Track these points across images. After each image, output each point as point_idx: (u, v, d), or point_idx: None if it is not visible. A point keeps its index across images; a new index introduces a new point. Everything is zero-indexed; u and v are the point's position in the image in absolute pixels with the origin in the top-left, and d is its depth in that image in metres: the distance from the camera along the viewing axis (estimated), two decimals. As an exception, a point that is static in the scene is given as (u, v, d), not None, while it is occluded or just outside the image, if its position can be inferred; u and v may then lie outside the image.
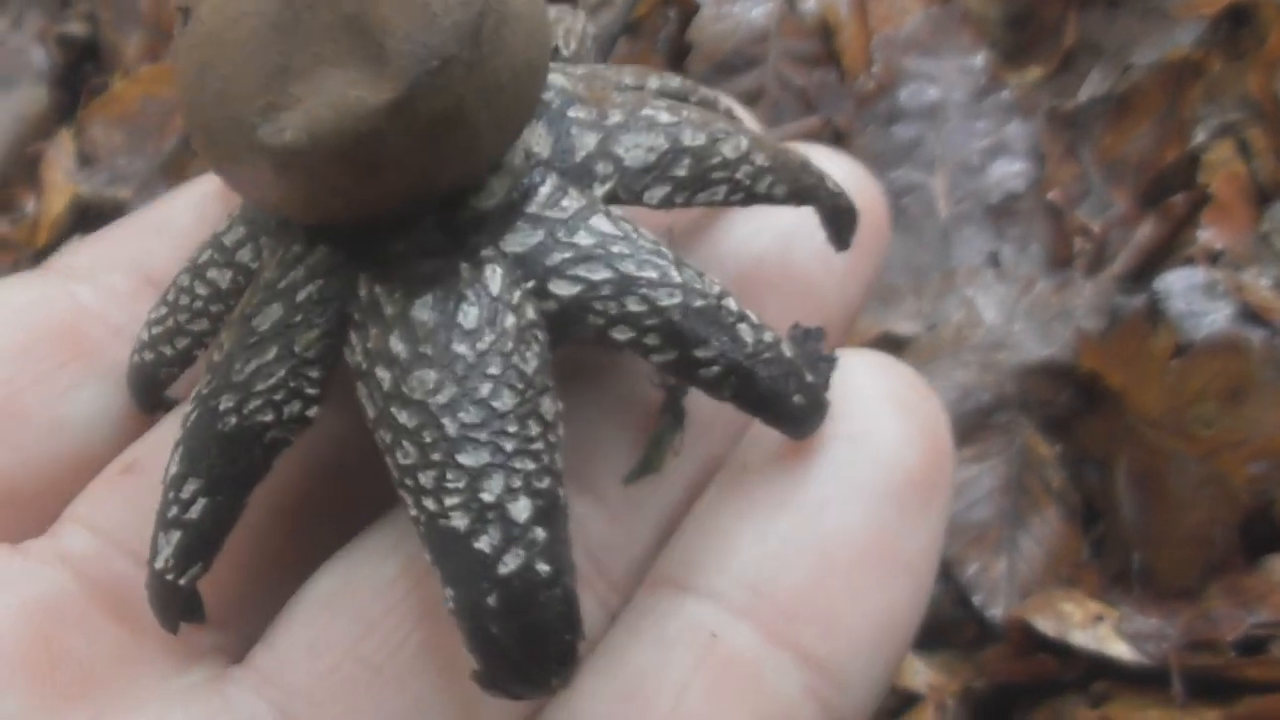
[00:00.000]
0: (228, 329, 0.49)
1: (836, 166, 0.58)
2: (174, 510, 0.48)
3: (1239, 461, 1.09)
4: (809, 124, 1.40)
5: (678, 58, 1.42)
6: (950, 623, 1.12)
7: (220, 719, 0.49)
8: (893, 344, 1.27)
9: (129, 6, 1.39)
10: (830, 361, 0.51)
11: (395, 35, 0.42)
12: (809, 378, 0.50)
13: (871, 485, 0.50)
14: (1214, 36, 1.36)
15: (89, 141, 1.32)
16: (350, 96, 0.42)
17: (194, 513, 0.47)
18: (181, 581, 0.48)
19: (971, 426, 1.22)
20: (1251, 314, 1.16)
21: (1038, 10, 1.47)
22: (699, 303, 0.46)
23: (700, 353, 0.46)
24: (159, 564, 0.48)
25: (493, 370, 0.44)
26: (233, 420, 0.47)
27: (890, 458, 0.51)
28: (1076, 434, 1.22)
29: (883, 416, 0.51)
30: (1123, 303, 1.24)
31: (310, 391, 0.47)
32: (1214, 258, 1.24)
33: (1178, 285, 1.20)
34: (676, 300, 0.46)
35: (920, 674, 1.07)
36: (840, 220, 0.56)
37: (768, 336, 0.48)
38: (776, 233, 0.59)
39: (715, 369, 0.47)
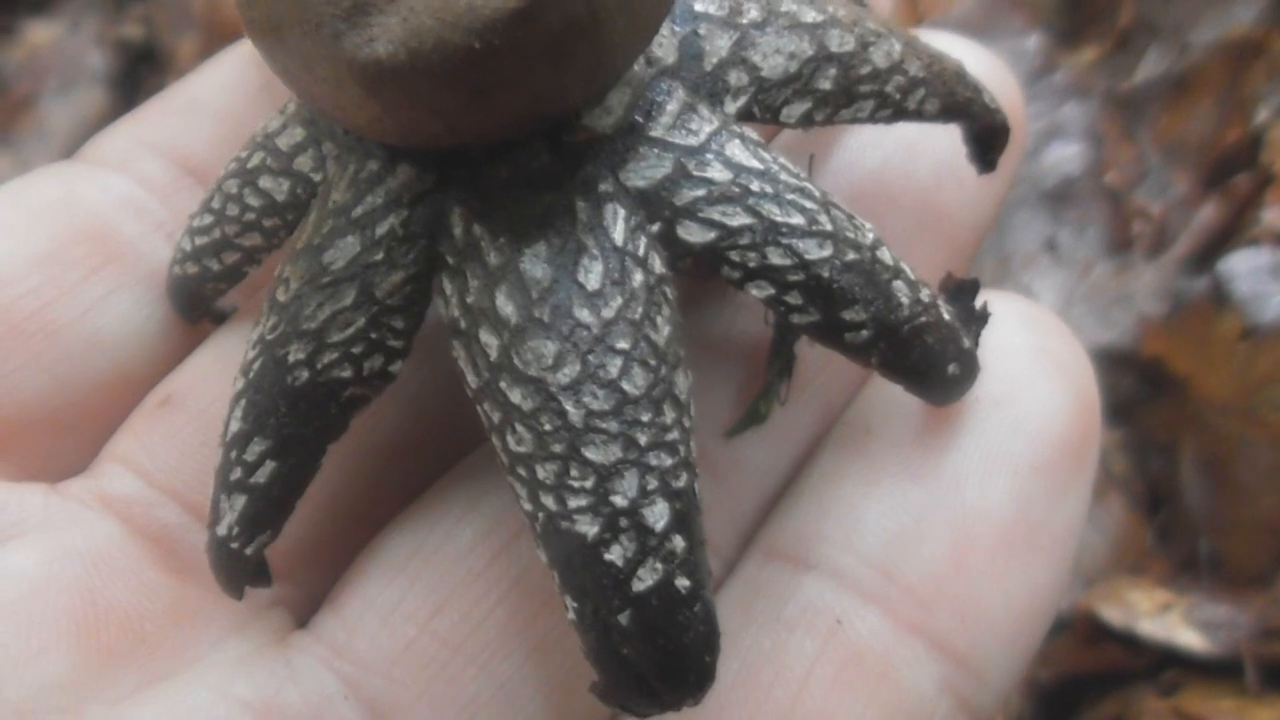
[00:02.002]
0: (292, 259, 0.42)
1: (970, 57, 0.50)
2: (237, 473, 0.43)
3: (1311, 446, 1.06)
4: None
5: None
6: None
7: (286, 692, 0.45)
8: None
9: (182, 9, 1.40)
10: (983, 320, 0.45)
11: None
12: (965, 343, 0.44)
13: (1018, 455, 0.45)
14: (1274, 13, 1.33)
15: (146, 143, 1.35)
16: (459, 2, 0.34)
17: (261, 476, 0.42)
18: (248, 551, 0.43)
19: (1031, 414, 1.20)
20: (1321, 295, 1.13)
21: (1091, -10, 1.45)
22: (851, 255, 0.40)
23: (849, 315, 0.41)
24: (222, 531, 0.43)
25: (622, 344, 0.38)
26: (305, 374, 0.41)
27: (1039, 425, 0.46)
28: (1139, 420, 1.19)
29: (1031, 377, 0.46)
30: (1185, 286, 1.22)
31: (394, 344, 0.41)
32: (1280, 238, 1.21)
33: (1243, 267, 1.17)
34: (826, 253, 0.40)
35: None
36: (991, 139, 0.48)
37: (925, 295, 0.42)
38: (898, 140, 0.52)
39: (864, 334, 0.41)
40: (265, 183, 0.45)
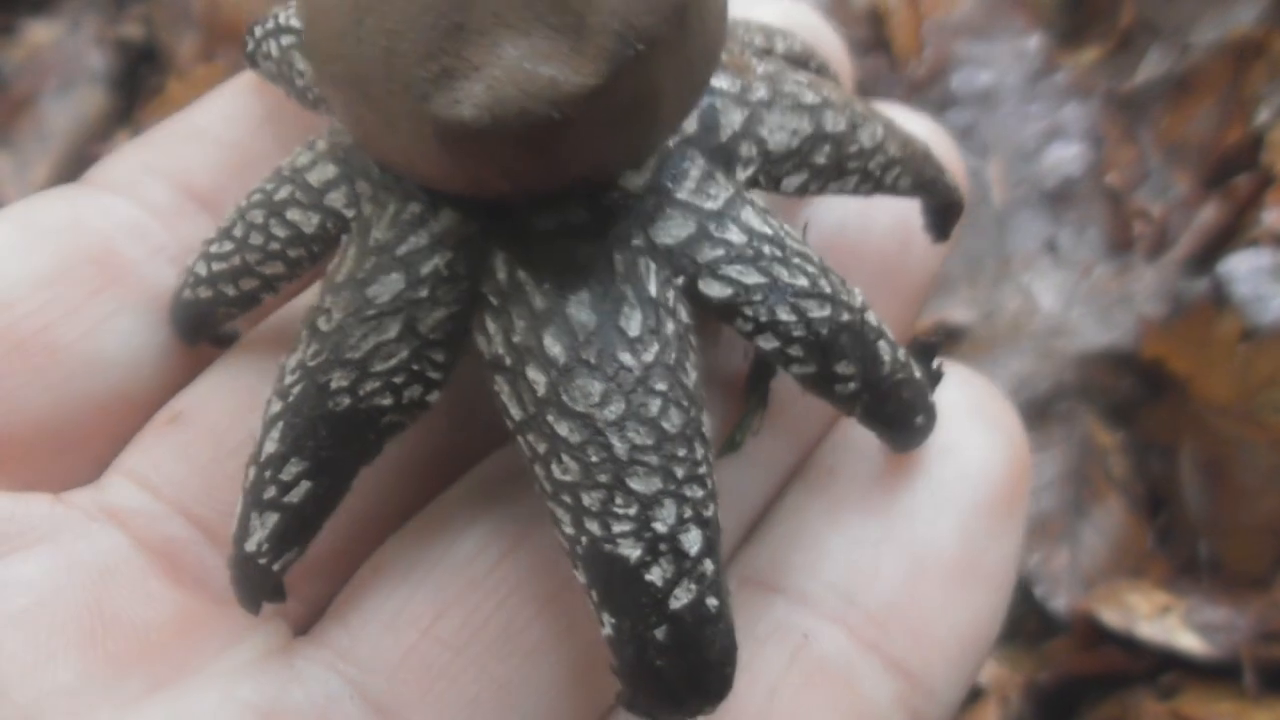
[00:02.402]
0: (333, 291, 0.44)
1: (919, 125, 0.56)
2: (271, 491, 0.44)
3: (1311, 448, 1.06)
4: (860, 111, 1.38)
5: (726, 47, 1.42)
6: (1012, 615, 1.10)
7: (292, 692, 0.47)
8: (948, 333, 1.25)
9: (182, 9, 1.40)
10: (939, 378, 0.50)
11: (599, 9, 0.37)
12: (930, 398, 0.49)
13: (961, 497, 0.51)
14: (1275, 13, 1.33)
15: (146, 142, 1.35)
16: (541, 75, 0.37)
17: (295, 496, 0.44)
18: (276, 566, 0.45)
19: (1030, 416, 1.20)
20: (1321, 297, 1.13)
21: (1093, -10, 1.45)
22: (846, 317, 0.45)
23: (841, 368, 0.45)
24: (250, 547, 0.45)
25: (660, 385, 0.42)
26: (346, 401, 0.43)
27: (979, 471, 0.51)
28: (1139, 422, 1.19)
29: (971, 430, 0.52)
30: (1186, 287, 1.22)
31: (433, 376, 0.44)
32: (1280, 240, 1.21)
33: (1243, 268, 1.17)
34: (825, 313, 0.44)
35: (983, 666, 1.05)
36: (947, 213, 0.54)
37: (901, 354, 0.47)
38: (855, 203, 0.57)
39: (852, 385, 0.45)
40: (293, 215, 0.47)
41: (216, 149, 0.57)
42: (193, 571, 0.50)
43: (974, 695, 1.05)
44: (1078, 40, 1.43)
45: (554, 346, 0.42)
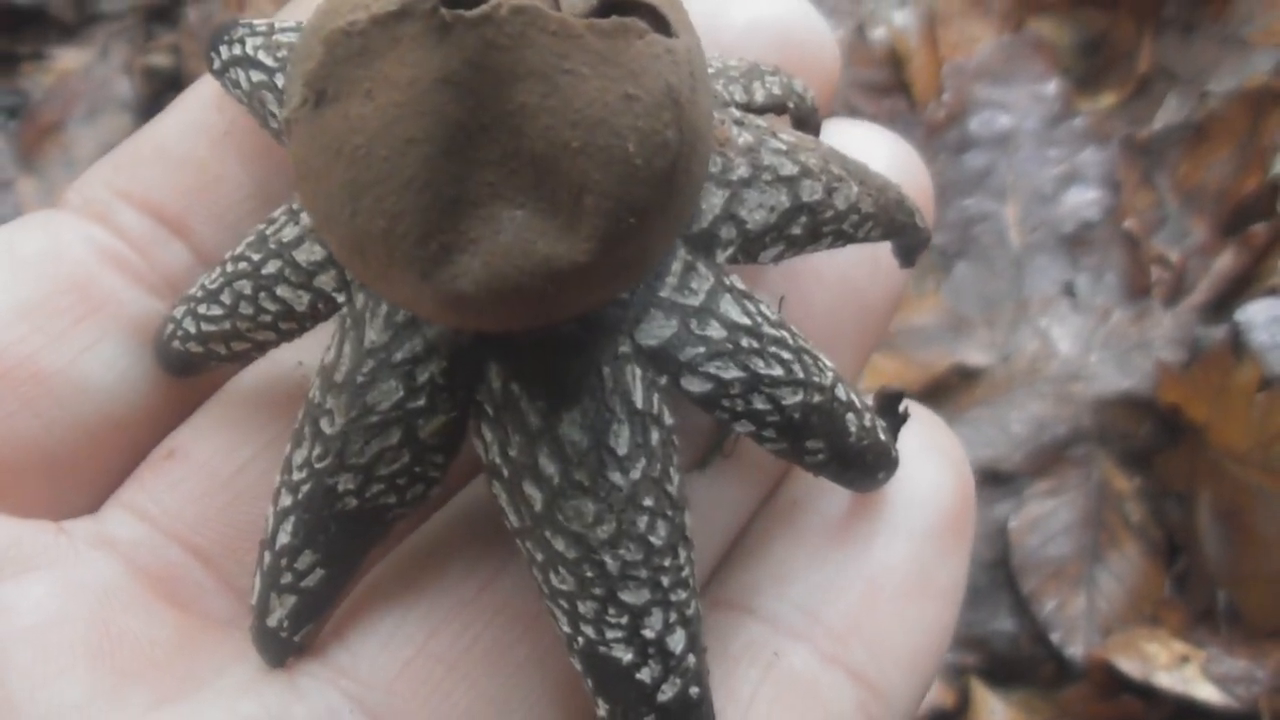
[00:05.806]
0: (333, 391, 0.46)
1: (886, 147, 0.60)
2: (288, 578, 0.48)
3: (1330, 499, 1.06)
4: (879, 152, 1.39)
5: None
6: (1027, 660, 1.09)
7: (293, 709, 0.48)
8: (965, 375, 1.25)
9: (210, 38, 1.42)
10: (904, 420, 0.53)
11: (594, 191, 0.37)
12: (893, 454, 0.52)
13: (913, 524, 0.55)
14: (1293, 62, 1.34)
15: (170, 170, 1.36)
16: (537, 252, 0.38)
17: (310, 582, 0.47)
18: (296, 639, 0.49)
19: (1047, 459, 1.20)
20: (1341, 347, 1.13)
21: (1111, 36, 1.45)
22: (816, 399, 0.47)
23: (810, 444, 0.48)
24: (272, 623, 0.48)
25: (647, 501, 0.44)
26: (354, 502, 0.46)
27: (928, 499, 0.56)
28: (1157, 468, 1.19)
29: (920, 461, 0.56)
30: (1204, 334, 1.22)
31: (434, 475, 0.46)
32: (1298, 288, 1.21)
33: (1261, 316, 1.17)
34: (798, 399, 0.46)
35: (997, 713, 1.04)
36: (915, 248, 0.57)
37: (867, 420, 0.50)
38: None
39: (820, 456, 0.49)
40: (283, 292, 0.48)
41: (180, 171, 0.57)
42: (190, 596, 0.52)
43: (989, 742, 1.05)
44: (1096, 85, 1.44)
45: (549, 466, 0.44)
